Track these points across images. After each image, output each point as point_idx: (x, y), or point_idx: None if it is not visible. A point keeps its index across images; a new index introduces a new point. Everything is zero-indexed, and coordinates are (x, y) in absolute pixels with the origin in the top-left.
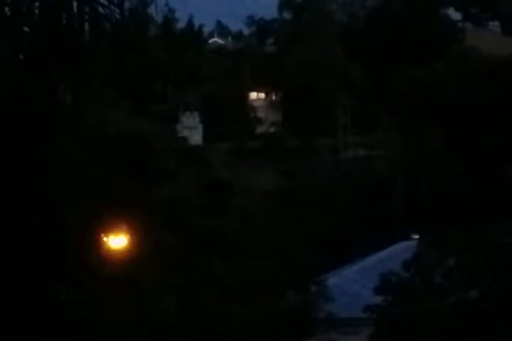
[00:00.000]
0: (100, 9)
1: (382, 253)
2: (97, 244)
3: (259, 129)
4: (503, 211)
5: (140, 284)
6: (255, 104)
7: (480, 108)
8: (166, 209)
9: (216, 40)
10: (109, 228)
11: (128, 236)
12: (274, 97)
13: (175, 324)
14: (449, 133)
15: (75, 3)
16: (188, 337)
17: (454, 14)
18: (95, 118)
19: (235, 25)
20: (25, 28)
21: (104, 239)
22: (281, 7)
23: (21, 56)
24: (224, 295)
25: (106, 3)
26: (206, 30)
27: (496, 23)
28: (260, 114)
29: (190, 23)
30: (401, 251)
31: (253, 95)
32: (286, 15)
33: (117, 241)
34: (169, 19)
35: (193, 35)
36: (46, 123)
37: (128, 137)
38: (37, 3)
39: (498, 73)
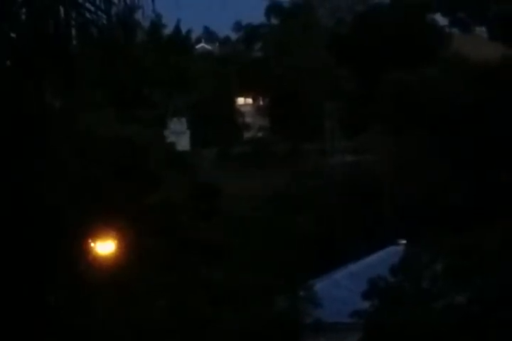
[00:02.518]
0: (87, 15)
1: (371, 258)
2: (86, 249)
3: (247, 134)
4: (495, 214)
5: (129, 289)
6: (243, 109)
7: (472, 110)
8: (155, 214)
9: (203, 45)
10: (97, 233)
11: (116, 242)
12: (261, 102)
13: (164, 328)
14: (442, 135)
15: (62, 9)
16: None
17: (441, 19)
18: (83, 123)
19: (223, 30)
20: (12, 34)
21: (92, 244)
22: (268, 12)
23: (9, 62)
24: (213, 300)
25: (93, 8)
26: (193, 35)
27: (483, 29)
28: (248, 120)
29: (177, 28)
30: (389, 256)
31: (240, 100)
32: (274, 20)
33: (105, 247)
34: (157, 24)
35: (180, 40)
36: (35, 127)
37: (117, 142)
38: (24, 9)
39: (489, 76)
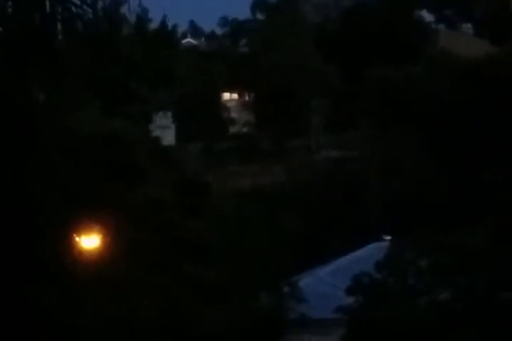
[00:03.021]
0: (73, 9)
1: (355, 254)
2: (71, 244)
3: (232, 129)
4: (481, 211)
5: (118, 287)
6: (228, 104)
7: (458, 107)
8: (141, 210)
9: (189, 40)
10: (84, 231)
11: (101, 237)
12: (247, 98)
13: (153, 326)
14: (429, 132)
15: (48, 3)
16: (162, 338)
17: (428, 16)
18: (69, 118)
19: (209, 25)
20: None
21: (77, 239)
22: (254, 8)
23: None
24: (198, 296)
25: (79, 3)
26: (179, 30)
27: (469, 25)
28: (233, 115)
29: (163, 23)
30: (373, 252)
31: (226, 96)
32: (260, 15)
33: (90, 242)
34: (142, 19)
35: (166, 35)
36: (27, 126)
37: (103, 137)
38: (10, 3)
39: (475, 73)
